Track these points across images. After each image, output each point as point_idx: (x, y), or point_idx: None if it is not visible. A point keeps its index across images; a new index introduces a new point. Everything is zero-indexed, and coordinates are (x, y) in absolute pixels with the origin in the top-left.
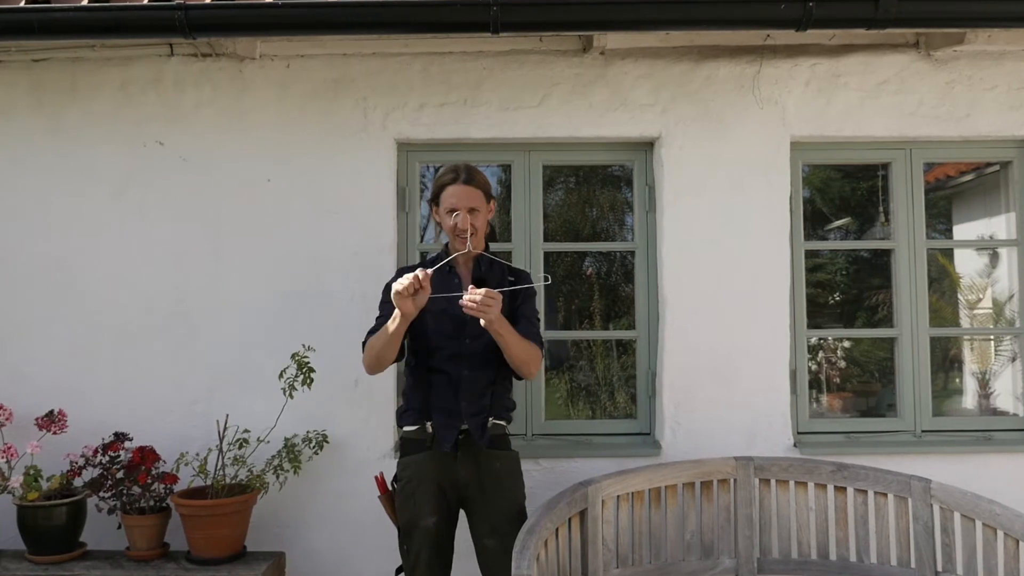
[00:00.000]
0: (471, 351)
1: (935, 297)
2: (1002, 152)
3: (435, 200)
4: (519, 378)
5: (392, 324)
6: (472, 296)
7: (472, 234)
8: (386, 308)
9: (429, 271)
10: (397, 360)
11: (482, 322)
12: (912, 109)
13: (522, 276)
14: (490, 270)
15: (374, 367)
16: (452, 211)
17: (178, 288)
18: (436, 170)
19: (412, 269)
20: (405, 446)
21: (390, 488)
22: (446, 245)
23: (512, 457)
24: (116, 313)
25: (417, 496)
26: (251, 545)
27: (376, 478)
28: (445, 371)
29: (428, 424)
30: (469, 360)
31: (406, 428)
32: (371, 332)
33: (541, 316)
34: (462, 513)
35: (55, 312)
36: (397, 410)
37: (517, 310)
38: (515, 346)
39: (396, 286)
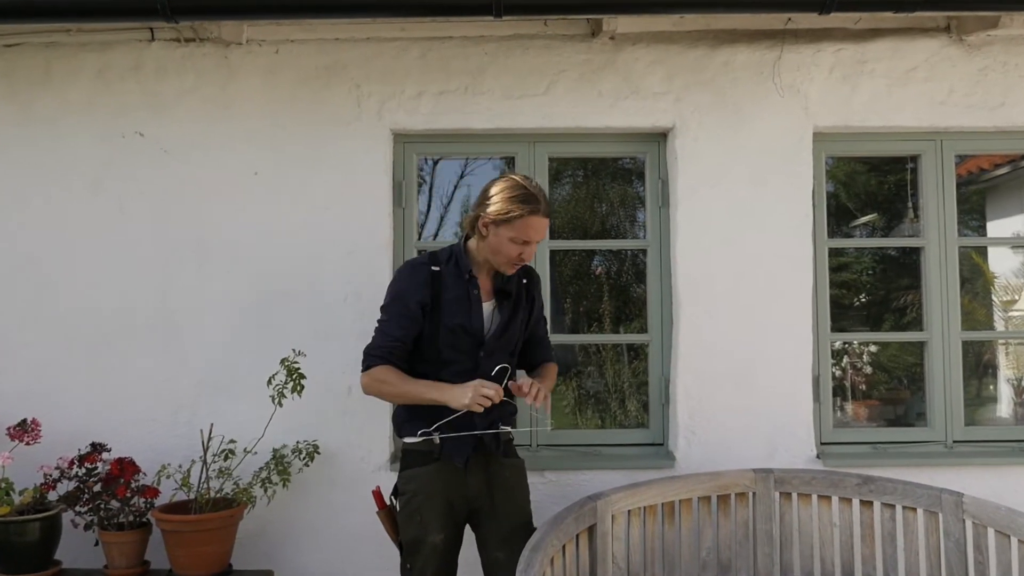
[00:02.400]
0: (485, 367)
1: (967, 298)
2: None
3: (499, 219)
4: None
5: (429, 395)
6: (533, 396)
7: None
8: (394, 309)
9: (497, 392)
10: None
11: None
12: (943, 97)
13: (534, 277)
14: (508, 279)
15: (377, 397)
16: (523, 243)
17: (160, 289)
18: (434, 163)
19: (424, 266)
20: (408, 458)
21: (388, 503)
22: (462, 242)
23: (520, 465)
24: (93, 315)
25: (424, 511)
26: (237, 563)
27: (373, 492)
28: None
29: (435, 435)
30: (482, 376)
31: (408, 440)
32: (381, 347)
33: (547, 318)
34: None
35: (27, 314)
36: (394, 418)
37: (536, 328)
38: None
39: (484, 391)
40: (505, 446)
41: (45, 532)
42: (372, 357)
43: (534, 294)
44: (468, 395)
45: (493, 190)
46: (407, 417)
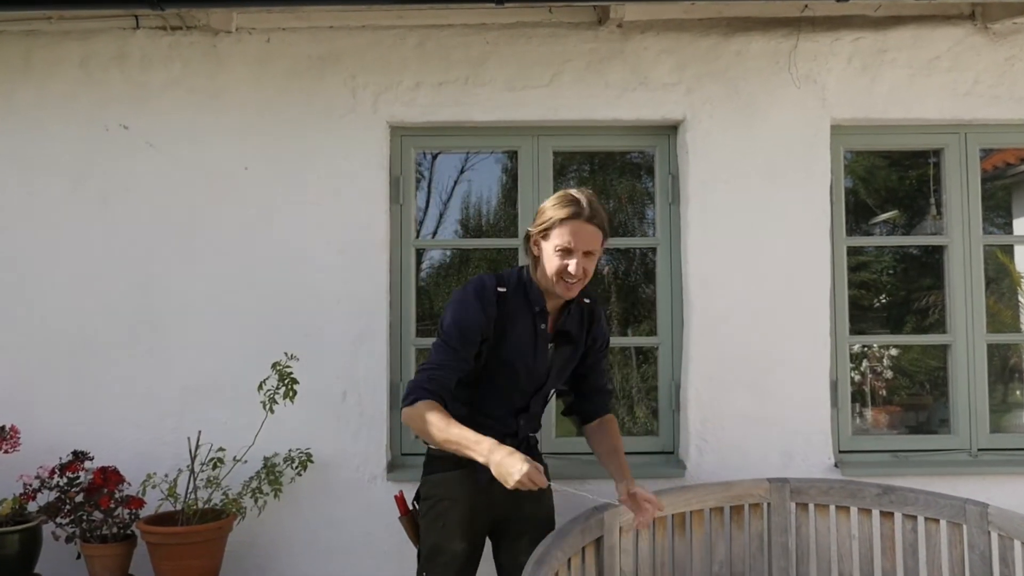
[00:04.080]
0: (535, 410)
1: (993, 299)
2: None
3: (542, 232)
4: None
5: (473, 452)
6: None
7: (580, 279)
8: (455, 335)
9: (543, 482)
10: None
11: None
12: (967, 88)
13: (596, 313)
14: (569, 316)
15: (417, 434)
16: (565, 251)
17: (145, 290)
18: (433, 157)
19: (491, 289)
20: (433, 463)
21: (411, 508)
22: (526, 271)
23: (544, 469)
24: (75, 318)
25: (448, 517)
26: None
27: (396, 497)
28: (501, 420)
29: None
30: (528, 415)
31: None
32: (433, 380)
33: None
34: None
35: (5, 317)
36: None
37: (596, 365)
38: None
39: (522, 478)
40: (531, 450)
41: (25, 544)
42: (421, 390)
43: (595, 334)
44: (516, 475)
45: (541, 207)
46: None
